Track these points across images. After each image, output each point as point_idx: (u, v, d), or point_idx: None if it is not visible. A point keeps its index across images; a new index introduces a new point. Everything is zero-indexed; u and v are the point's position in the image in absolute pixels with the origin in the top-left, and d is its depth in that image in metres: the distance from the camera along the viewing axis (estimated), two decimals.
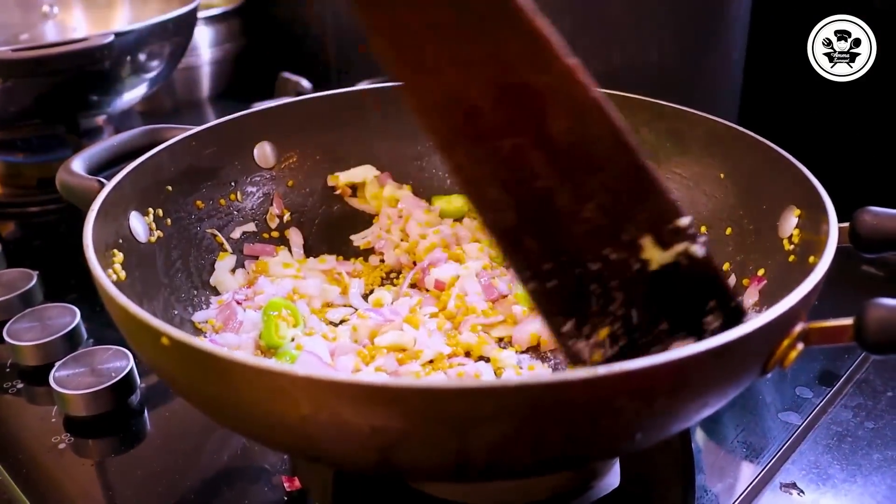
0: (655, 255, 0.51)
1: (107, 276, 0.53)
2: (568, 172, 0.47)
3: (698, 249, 0.52)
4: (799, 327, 0.49)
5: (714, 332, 0.51)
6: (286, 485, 0.62)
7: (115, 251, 0.65)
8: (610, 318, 0.51)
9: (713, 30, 0.91)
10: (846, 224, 0.61)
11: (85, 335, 0.81)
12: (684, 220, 0.51)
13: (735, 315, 0.53)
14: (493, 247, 0.50)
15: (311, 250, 0.87)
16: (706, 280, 0.52)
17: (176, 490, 0.63)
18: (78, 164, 0.70)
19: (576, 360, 0.53)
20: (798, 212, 0.65)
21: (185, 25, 1.22)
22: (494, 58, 0.44)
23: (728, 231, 0.74)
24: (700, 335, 0.52)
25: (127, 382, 0.72)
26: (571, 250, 0.50)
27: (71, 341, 0.79)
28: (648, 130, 0.78)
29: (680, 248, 0.51)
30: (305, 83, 1.31)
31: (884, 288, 0.88)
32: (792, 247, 0.65)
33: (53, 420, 0.72)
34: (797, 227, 0.65)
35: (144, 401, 0.73)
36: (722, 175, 0.75)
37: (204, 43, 1.51)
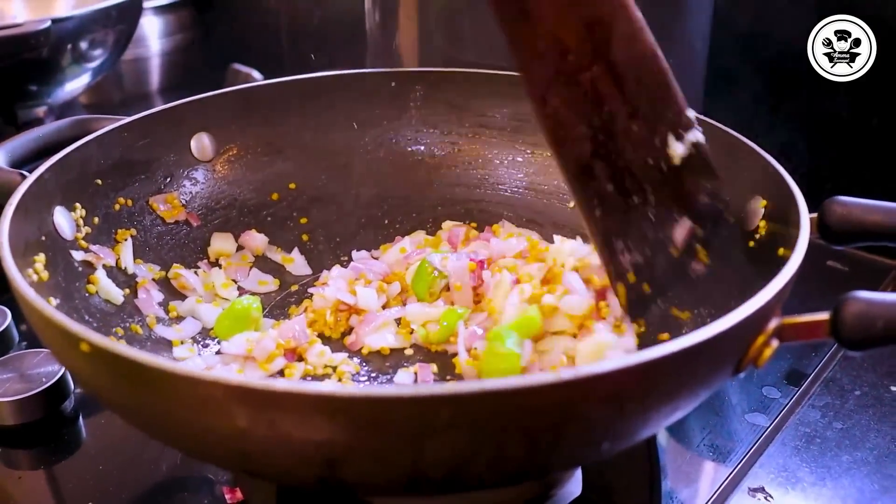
0: (676, 150, 0.58)
1: (22, 276, 0.49)
2: (625, 91, 0.56)
3: (701, 136, 0.59)
4: (773, 323, 0.47)
5: (704, 210, 0.60)
6: (227, 496, 0.60)
7: (38, 249, 0.61)
8: (645, 223, 0.59)
9: (675, 22, 0.90)
10: (814, 215, 0.60)
11: (17, 337, 0.78)
12: (691, 112, 0.58)
13: (717, 188, 0.61)
14: (569, 186, 0.59)
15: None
16: (703, 164, 0.60)
17: (112, 503, 0.61)
18: None
19: (620, 275, 0.60)
20: (764, 202, 0.64)
21: (129, 13, 1.20)
22: None
23: None
24: (694, 216, 0.60)
25: (59, 388, 0.69)
26: (624, 167, 0.58)
27: (2, 344, 0.76)
28: None
29: (691, 137, 0.58)
30: (257, 75, 1.30)
31: (850, 282, 0.87)
32: (758, 237, 0.63)
33: None
34: (763, 217, 0.63)
35: (78, 407, 0.70)
36: None
37: (153, 33, 1.49)
